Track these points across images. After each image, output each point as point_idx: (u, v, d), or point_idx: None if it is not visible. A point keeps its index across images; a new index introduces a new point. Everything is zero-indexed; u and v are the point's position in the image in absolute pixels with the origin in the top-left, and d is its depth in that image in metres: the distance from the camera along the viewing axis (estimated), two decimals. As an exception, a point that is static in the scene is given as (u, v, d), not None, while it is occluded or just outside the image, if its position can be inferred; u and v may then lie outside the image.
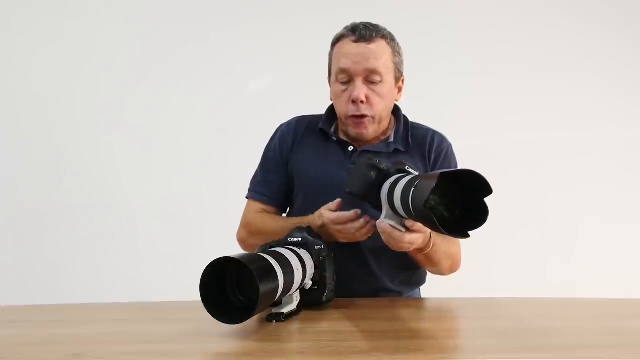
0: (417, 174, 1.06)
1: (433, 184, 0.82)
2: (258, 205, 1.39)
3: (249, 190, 1.42)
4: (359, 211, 1.16)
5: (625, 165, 2.72)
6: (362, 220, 1.16)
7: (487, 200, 0.87)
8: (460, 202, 0.88)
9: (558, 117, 2.69)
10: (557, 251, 2.65)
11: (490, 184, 0.84)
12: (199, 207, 2.54)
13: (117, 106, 2.58)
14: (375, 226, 1.09)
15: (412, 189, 0.90)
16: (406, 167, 1.07)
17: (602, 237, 2.66)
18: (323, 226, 1.18)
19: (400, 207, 0.96)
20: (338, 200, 1.19)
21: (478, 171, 0.84)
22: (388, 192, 1.03)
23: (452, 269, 1.32)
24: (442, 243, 1.21)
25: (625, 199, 2.70)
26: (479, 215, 0.86)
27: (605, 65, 2.74)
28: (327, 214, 1.17)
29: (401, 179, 1.00)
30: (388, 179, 1.06)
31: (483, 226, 0.85)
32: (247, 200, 1.42)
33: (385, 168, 1.08)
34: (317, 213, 1.21)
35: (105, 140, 2.57)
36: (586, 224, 2.69)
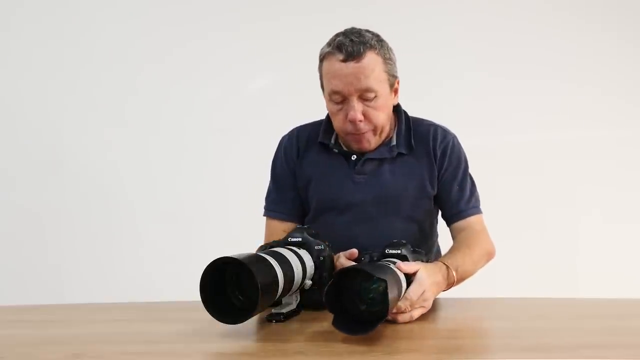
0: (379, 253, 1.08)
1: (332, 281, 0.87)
2: (278, 225, 1.38)
3: (265, 208, 1.42)
4: None
5: (626, 165, 2.72)
6: None
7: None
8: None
9: (558, 117, 2.69)
10: (557, 251, 2.64)
11: (375, 275, 0.86)
12: (198, 207, 2.54)
13: (117, 106, 2.58)
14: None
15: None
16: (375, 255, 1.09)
17: (603, 237, 2.66)
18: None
19: None
20: (354, 250, 1.16)
21: (362, 267, 0.88)
22: None
23: (489, 260, 1.31)
24: (466, 261, 1.19)
25: (626, 199, 2.70)
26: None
27: (605, 65, 2.73)
28: (342, 259, 1.15)
29: None
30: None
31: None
32: (265, 218, 1.42)
33: (367, 260, 1.10)
34: (337, 255, 1.17)
35: (105, 141, 2.57)
36: (586, 224, 2.69)
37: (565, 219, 2.66)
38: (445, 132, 1.37)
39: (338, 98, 1.23)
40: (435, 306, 1.14)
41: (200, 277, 0.87)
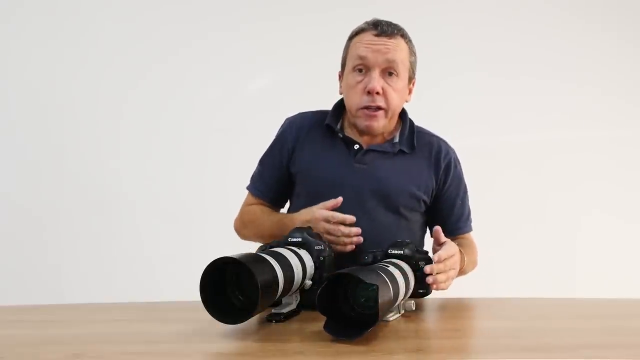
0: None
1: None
2: (253, 198, 1.42)
3: (250, 181, 1.45)
4: (354, 218, 1.18)
5: (626, 165, 2.72)
6: (353, 229, 1.18)
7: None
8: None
9: (558, 117, 2.69)
10: (557, 251, 2.64)
11: (365, 280, 0.85)
12: (199, 207, 2.54)
13: (118, 106, 2.58)
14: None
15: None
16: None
17: (603, 237, 2.66)
18: (309, 222, 1.19)
19: None
20: (339, 198, 1.20)
21: (356, 274, 0.85)
22: None
23: (472, 270, 1.38)
24: (468, 257, 1.27)
25: (625, 199, 2.70)
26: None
27: (605, 65, 2.73)
28: (319, 211, 1.19)
29: None
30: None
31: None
32: (247, 191, 1.45)
33: (370, 259, 1.09)
34: (307, 209, 1.23)
35: (106, 140, 2.57)
36: (586, 224, 2.69)
37: (565, 219, 2.66)
38: (448, 147, 1.40)
39: (361, 66, 1.27)
40: (435, 306, 1.15)
41: (200, 277, 0.87)
